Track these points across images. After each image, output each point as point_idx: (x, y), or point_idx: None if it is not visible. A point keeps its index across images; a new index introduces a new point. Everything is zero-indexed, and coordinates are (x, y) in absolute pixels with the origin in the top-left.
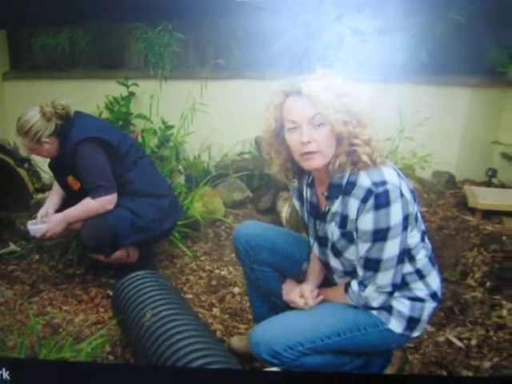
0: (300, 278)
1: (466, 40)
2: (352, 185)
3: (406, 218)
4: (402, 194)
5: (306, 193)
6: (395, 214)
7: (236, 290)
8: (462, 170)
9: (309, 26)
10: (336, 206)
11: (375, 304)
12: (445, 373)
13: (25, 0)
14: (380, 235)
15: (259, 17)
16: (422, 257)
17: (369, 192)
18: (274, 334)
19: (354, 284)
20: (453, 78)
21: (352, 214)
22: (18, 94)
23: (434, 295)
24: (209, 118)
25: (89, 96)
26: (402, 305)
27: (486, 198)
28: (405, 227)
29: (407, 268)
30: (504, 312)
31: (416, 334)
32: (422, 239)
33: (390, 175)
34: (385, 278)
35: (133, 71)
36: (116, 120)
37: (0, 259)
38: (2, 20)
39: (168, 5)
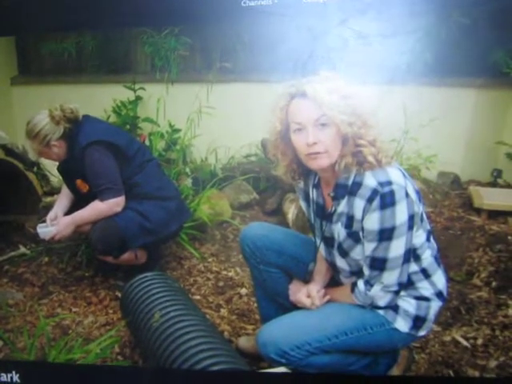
0: (306, 279)
1: (470, 41)
2: (358, 185)
3: (411, 218)
4: (407, 194)
5: (312, 193)
6: (401, 214)
7: (243, 291)
8: (468, 171)
9: (313, 29)
10: (342, 207)
11: (381, 303)
12: (451, 372)
13: (32, 7)
14: (386, 235)
15: (264, 21)
16: (427, 256)
17: (374, 192)
18: (282, 333)
19: (361, 283)
20: (458, 79)
21: (358, 213)
22: (26, 98)
23: (439, 294)
24: (215, 120)
25: (96, 100)
26: (408, 304)
27: (491, 198)
28: (410, 227)
29: (413, 267)
30: (510, 311)
31: (422, 333)
32: (428, 239)
33: (396, 175)
34: (391, 277)
35: (139, 75)
36: (123, 124)
37: (10, 262)
38: (11, 27)
39: (174, 10)
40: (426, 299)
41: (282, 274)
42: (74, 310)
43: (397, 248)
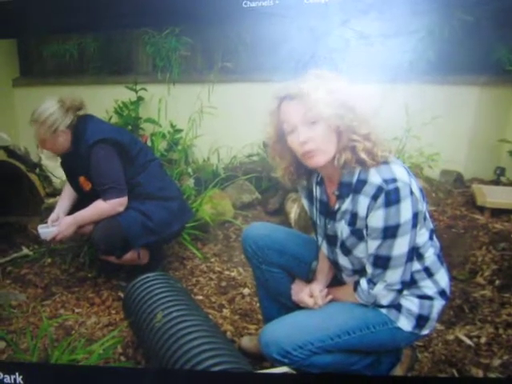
0: (309, 278)
1: (473, 39)
2: (362, 182)
3: (415, 216)
4: (411, 192)
5: (316, 191)
6: (405, 212)
7: (246, 290)
8: (471, 169)
9: (315, 30)
10: (346, 204)
11: (384, 302)
12: (454, 371)
13: (34, 10)
14: (390, 232)
15: (266, 22)
16: (430, 255)
17: (379, 189)
18: (284, 333)
19: (363, 282)
20: (461, 77)
21: (362, 211)
22: (28, 100)
23: (442, 293)
24: (217, 120)
25: (98, 101)
26: (410, 303)
27: (494, 196)
28: (414, 225)
29: (416, 266)
30: None
31: (425, 332)
32: (431, 237)
33: (400, 173)
34: (394, 275)
35: (141, 76)
36: (125, 124)
37: (13, 263)
38: (13, 30)
39: (175, 11)
40: (429, 298)
41: (284, 274)
42: (76, 310)
43: (401, 246)
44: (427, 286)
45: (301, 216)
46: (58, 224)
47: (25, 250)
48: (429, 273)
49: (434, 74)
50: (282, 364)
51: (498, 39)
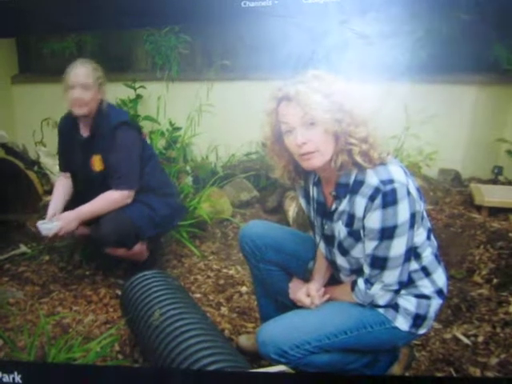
0: (306, 277)
1: (471, 38)
2: (359, 183)
3: (412, 216)
4: (409, 192)
5: (313, 192)
6: (402, 212)
7: (244, 289)
8: (469, 168)
9: (313, 30)
10: (343, 205)
11: (381, 302)
12: (452, 370)
13: (33, 8)
14: (387, 233)
15: (264, 21)
16: (427, 254)
17: (376, 190)
18: (281, 332)
19: (361, 282)
20: (459, 76)
21: (359, 212)
22: (26, 97)
23: (439, 292)
24: (216, 119)
25: None
26: (408, 302)
27: (492, 195)
28: (412, 225)
29: (413, 265)
30: (511, 308)
31: (422, 331)
32: (428, 237)
33: (398, 173)
34: (391, 276)
35: (140, 73)
36: None
37: (11, 261)
38: (13, 29)
39: (174, 10)
40: (427, 297)
41: (281, 272)
42: (74, 308)
43: (398, 247)
44: (424, 286)
45: (299, 214)
46: (59, 219)
47: (22, 248)
48: (426, 272)
49: (433, 74)
50: (279, 363)
51: (495, 39)
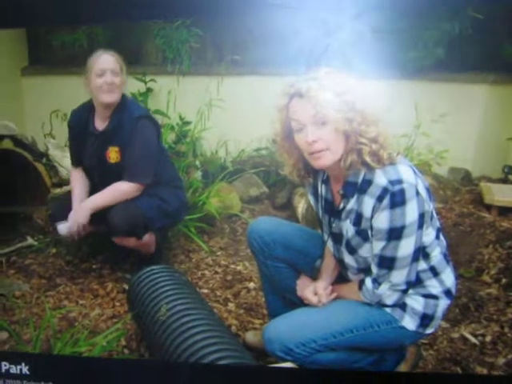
0: (314, 275)
1: (483, 37)
2: (368, 183)
3: (421, 217)
4: (417, 193)
5: (321, 189)
6: (411, 213)
7: (251, 285)
8: (479, 167)
9: (327, 23)
10: (351, 204)
11: (389, 302)
12: (459, 369)
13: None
14: (395, 234)
15: (276, 14)
16: (436, 254)
17: (384, 190)
18: (287, 330)
19: (368, 281)
20: (470, 75)
21: (367, 212)
22: (36, 89)
23: (448, 292)
24: (226, 114)
25: None
26: (415, 302)
27: (502, 194)
28: (420, 225)
29: (421, 265)
30: None
31: (429, 331)
32: (437, 236)
33: (406, 173)
34: (399, 276)
35: (151, 67)
36: None
37: (17, 253)
38: (22, 20)
39: (185, 3)
40: (434, 297)
41: (289, 269)
42: (80, 302)
43: (406, 247)
44: (433, 286)
45: (308, 211)
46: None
47: (29, 240)
48: (435, 272)
49: (444, 72)
50: (285, 361)
51: (507, 38)
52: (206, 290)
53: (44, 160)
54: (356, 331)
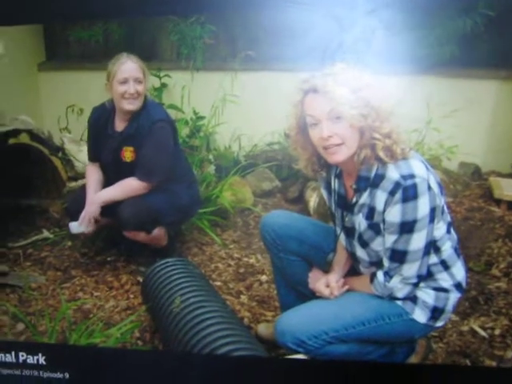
0: (326, 268)
1: (495, 33)
2: (380, 177)
3: (432, 211)
4: (429, 187)
5: (334, 184)
6: (422, 207)
7: (264, 277)
8: (489, 162)
9: (340, 20)
10: (364, 198)
11: (400, 295)
12: (468, 362)
13: None
14: (407, 227)
15: (290, 10)
16: (447, 248)
17: (397, 185)
18: (299, 322)
19: (380, 274)
20: (481, 70)
21: (379, 206)
22: (52, 84)
23: (458, 286)
24: (239, 108)
25: None
26: (426, 295)
27: (511, 189)
28: (431, 220)
29: (433, 259)
30: None
31: (440, 324)
32: (448, 231)
33: (418, 168)
34: (410, 269)
35: (165, 63)
36: None
37: (33, 246)
38: (39, 16)
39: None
40: (445, 290)
41: (301, 262)
42: (95, 294)
43: (417, 241)
44: (443, 279)
45: (320, 204)
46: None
47: (45, 233)
48: (445, 266)
49: (455, 67)
50: (297, 353)
51: None
52: (218, 283)
53: (60, 154)
54: (368, 324)
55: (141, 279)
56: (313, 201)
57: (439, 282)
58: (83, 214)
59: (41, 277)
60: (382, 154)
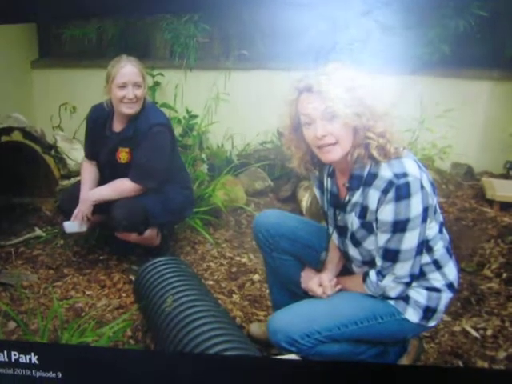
0: (319, 267)
1: (487, 34)
2: (373, 176)
3: (425, 210)
4: (422, 186)
5: (327, 182)
6: (415, 206)
7: (256, 277)
8: (481, 162)
9: (335, 20)
10: (357, 197)
11: (393, 294)
12: (460, 362)
13: None
14: (400, 226)
15: (284, 10)
16: (439, 248)
17: (390, 183)
18: (292, 321)
19: (373, 274)
20: (474, 71)
21: (372, 204)
22: (45, 81)
23: (450, 285)
24: (232, 108)
25: None
26: (418, 295)
27: (503, 190)
28: (424, 219)
29: (425, 258)
30: None
31: (432, 323)
32: (440, 231)
33: (411, 167)
34: (403, 268)
35: (158, 61)
36: None
37: (25, 244)
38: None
39: None
40: (437, 290)
41: (294, 262)
42: (87, 292)
43: (410, 240)
44: (435, 279)
45: (312, 204)
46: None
47: (37, 231)
48: (437, 265)
49: (448, 68)
50: (290, 352)
51: (511, 34)
52: (211, 282)
53: (53, 152)
54: (360, 323)
55: (133, 278)
56: (305, 200)
57: (431, 282)
58: (76, 211)
59: (33, 275)
60: (375, 153)
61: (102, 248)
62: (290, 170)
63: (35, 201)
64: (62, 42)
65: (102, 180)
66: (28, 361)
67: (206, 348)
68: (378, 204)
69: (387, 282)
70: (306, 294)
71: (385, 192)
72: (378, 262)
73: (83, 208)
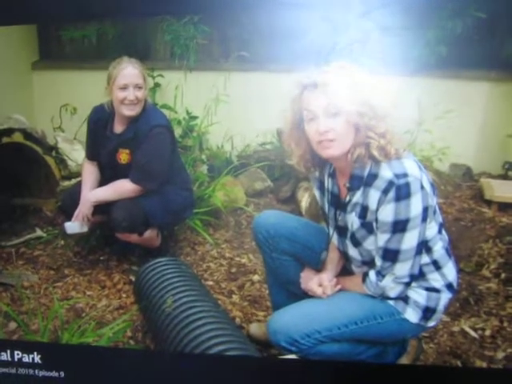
0: (319, 267)
1: (485, 35)
2: (373, 176)
3: (425, 210)
4: (422, 187)
5: (327, 183)
6: (415, 206)
7: (255, 277)
8: (479, 163)
9: (334, 21)
10: (357, 197)
11: (392, 294)
12: (459, 362)
13: None
14: (399, 226)
15: (283, 11)
16: (438, 248)
17: (390, 183)
18: (292, 321)
19: (372, 274)
20: (472, 72)
21: (372, 204)
22: (46, 83)
23: (449, 286)
24: (232, 109)
25: None
26: (418, 295)
27: (502, 190)
28: (424, 219)
29: (424, 259)
30: None
31: (431, 324)
32: (440, 231)
33: (412, 167)
34: (402, 268)
35: (158, 62)
36: None
37: (26, 244)
38: (32, 16)
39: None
40: (437, 291)
41: (294, 262)
42: (88, 293)
43: (410, 240)
44: (435, 279)
45: (312, 205)
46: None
47: (38, 232)
48: (437, 266)
49: (446, 69)
50: (290, 352)
51: (508, 35)
52: (210, 282)
53: (53, 153)
54: (360, 323)
55: (133, 278)
56: (305, 201)
57: (431, 282)
58: (77, 211)
59: (33, 275)
60: (375, 153)
61: (102, 249)
62: (289, 171)
63: (36, 201)
64: (62, 43)
65: (103, 181)
66: (31, 360)
67: (206, 348)
68: (378, 204)
69: (387, 282)
70: (305, 295)
71: (385, 192)
72: (378, 262)
73: (84, 208)
